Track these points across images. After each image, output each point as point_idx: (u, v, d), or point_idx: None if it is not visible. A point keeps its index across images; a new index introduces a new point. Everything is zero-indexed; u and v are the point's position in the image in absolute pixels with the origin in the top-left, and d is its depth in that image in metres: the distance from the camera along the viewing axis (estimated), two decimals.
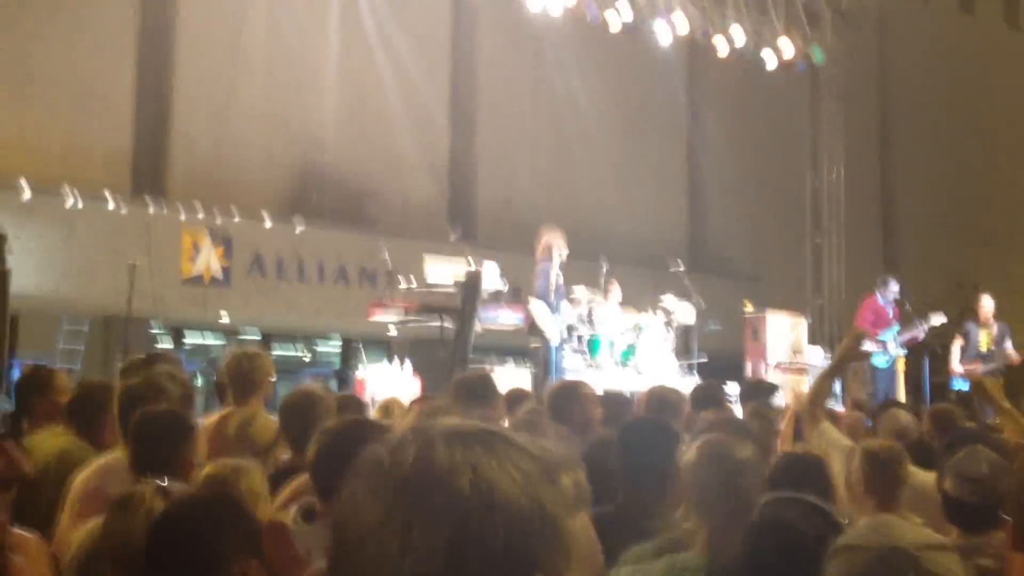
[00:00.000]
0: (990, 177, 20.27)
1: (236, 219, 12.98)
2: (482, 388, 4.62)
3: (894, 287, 10.96)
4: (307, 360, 12.80)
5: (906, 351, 10.90)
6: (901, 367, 10.93)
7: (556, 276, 9.51)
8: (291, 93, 14.13)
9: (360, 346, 12.18)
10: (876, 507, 3.83)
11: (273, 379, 4.77)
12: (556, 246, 9.52)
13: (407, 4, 14.59)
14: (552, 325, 9.41)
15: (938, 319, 10.85)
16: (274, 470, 3.73)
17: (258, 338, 13.18)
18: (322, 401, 3.96)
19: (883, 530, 1.86)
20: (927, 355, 10.49)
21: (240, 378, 4.59)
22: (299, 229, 13.37)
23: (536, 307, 9.45)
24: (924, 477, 4.26)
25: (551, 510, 0.98)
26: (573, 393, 4.70)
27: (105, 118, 12.80)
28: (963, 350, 10.92)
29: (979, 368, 10.67)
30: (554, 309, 9.46)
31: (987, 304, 11.06)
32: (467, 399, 4.44)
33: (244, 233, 13.10)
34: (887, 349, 10.72)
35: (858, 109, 16.82)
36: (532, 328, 9.54)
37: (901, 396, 10.54)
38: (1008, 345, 10.72)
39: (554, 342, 9.39)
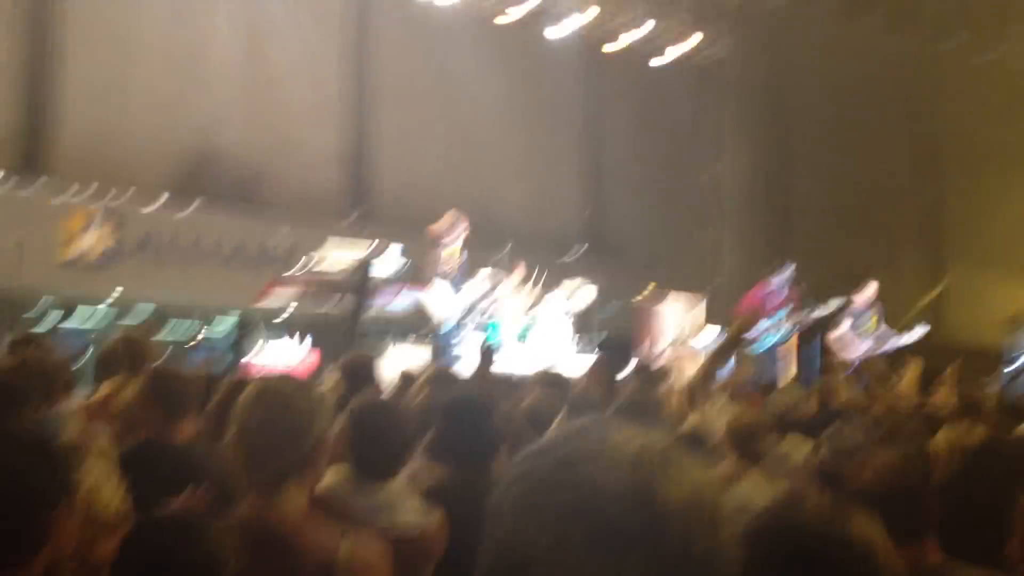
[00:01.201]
0: (878, 170, 21.07)
1: (128, 198, 12.72)
2: (365, 370, 4.68)
3: (785, 273, 11.29)
4: (201, 337, 12.56)
5: (797, 333, 11.24)
6: (793, 348, 11.26)
7: (456, 259, 9.55)
8: (188, 74, 13.89)
9: (257, 324, 11.99)
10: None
11: (159, 360, 4.69)
12: (457, 229, 9.56)
13: None
14: (449, 305, 9.42)
15: (835, 303, 11.20)
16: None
17: (150, 315, 12.88)
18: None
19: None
20: (818, 336, 10.84)
21: (125, 358, 4.49)
22: (192, 209, 13.13)
23: (433, 286, 9.49)
24: (805, 449, 4.39)
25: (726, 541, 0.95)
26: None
27: None
28: (852, 331, 11.41)
29: (867, 347, 11.22)
30: (452, 290, 9.49)
31: (872, 289, 11.57)
32: (351, 380, 4.47)
33: (136, 212, 12.89)
34: (777, 331, 11.05)
35: (756, 101, 17.25)
36: (429, 307, 9.57)
37: (791, 375, 10.87)
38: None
39: (451, 323, 9.42)
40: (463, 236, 9.63)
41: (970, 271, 16.20)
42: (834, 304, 11.18)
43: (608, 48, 14.61)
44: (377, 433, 2.83)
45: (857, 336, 11.45)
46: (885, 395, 5.74)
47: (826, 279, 15.66)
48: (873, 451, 3.29)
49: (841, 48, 20.80)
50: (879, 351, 11.42)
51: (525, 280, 10.68)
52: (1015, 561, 2.13)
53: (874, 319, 11.67)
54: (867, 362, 10.07)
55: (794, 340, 11.28)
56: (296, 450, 2.25)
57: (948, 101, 23.43)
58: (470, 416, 3.31)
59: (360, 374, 4.56)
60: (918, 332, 11.29)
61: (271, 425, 2.25)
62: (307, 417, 2.28)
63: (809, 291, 11.41)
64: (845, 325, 11.53)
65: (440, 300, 9.43)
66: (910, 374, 7.03)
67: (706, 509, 0.92)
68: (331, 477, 2.73)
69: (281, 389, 2.32)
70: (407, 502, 2.77)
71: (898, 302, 20.04)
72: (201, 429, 3.58)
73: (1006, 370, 11.58)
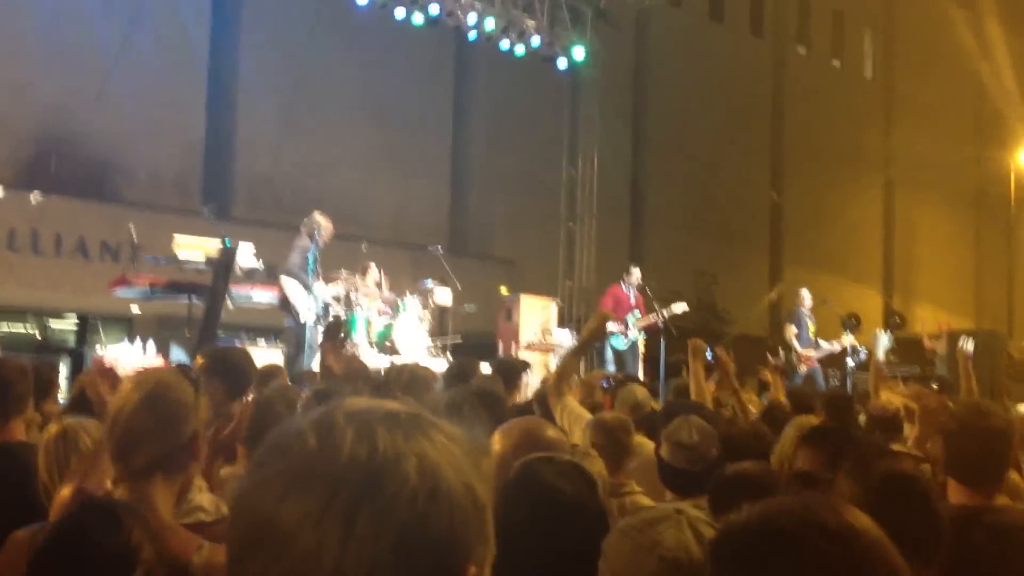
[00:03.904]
0: (729, 176, 22.01)
1: None
2: (242, 362, 4.40)
3: (636, 276, 11.69)
4: (38, 339, 11.85)
5: (645, 335, 11.61)
6: (641, 349, 11.63)
7: (313, 256, 9.45)
8: (36, 60, 13.20)
9: (99, 324, 11.44)
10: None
11: None
12: (320, 228, 9.46)
13: None
14: (304, 303, 9.34)
15: (679, 307, 11.60)
16: None
17: None
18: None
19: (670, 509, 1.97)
20: (663, 338, 11.22)
21: None
22: (34, 199, 12.41)
23: (288, 284, 9.37)
24: (651, 447, 4.56)
25: (481, 498, 0.94)
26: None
27: None
28: (797, 337, 12.10)
29: (812, 354, 11.82)
30: (308, 288, 9.38)
31: (807, 296, 12.38)
32: (220, 374, 4.20)
33: None
34: (627, 333, 11.41)
35: (614, 106, 17.69)
36: (284, 304, 9.44)
37: (640, 375, 11.22)
38: None
39: (306, 320, 9.31)
40: (326, 235, 9.59)
41: (805, 274, 17.10)
42: (678, 308, 11.58)
43: (477, 48, 14.74)
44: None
45: (804, 340, 12.02)
46: (736, 393, 6.03)
47: (676, 281, 16.31)
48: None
49: (703, 52, 21.63)
50: (817, 355, 12.07)
51: (381, 280, 10.66)
52: None
53: (813, 324, 12.25)
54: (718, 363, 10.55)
55: (642, 342, 11.65)
56: (166, 444, 2.23)
57: (799, 108, 24.71)
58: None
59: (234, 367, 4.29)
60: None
61: (143, 416, 2.21)
62: (180, 412, 2.26)
63: (655, 295, 11.80)
64: (790, 330, 12.13)
65: (295, 294, 9.33)
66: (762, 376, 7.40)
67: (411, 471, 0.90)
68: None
69: (160, 381, 2.30)
70: None
71: (742, 301, 21.05)
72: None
73: (850, 365, 12.34)
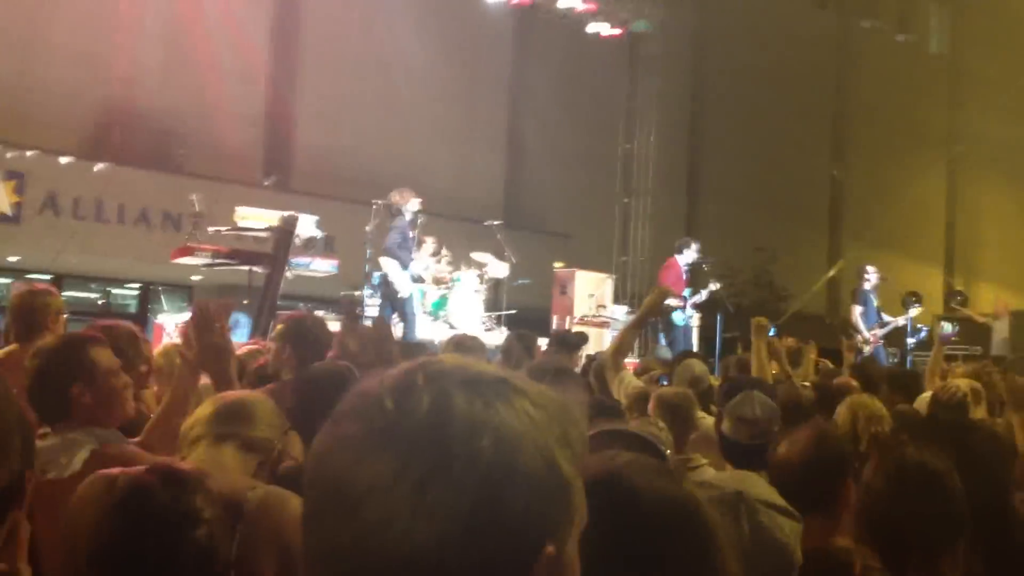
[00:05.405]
0: (789, 151, 21.67)
1: (29, 154, 12.16)
2: (318, 333, 4.39)
3: (694, 250, 11.37)
4: (102, 303, 12.08)
5: (697, 312, 11.41)
6: (696, 324, 11.50)
7: (410, 233, 9.71)
8: (102, 31, 13.41)
9: (160, 292, 11.64)
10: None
11: (64, 316, 4.53)
12: (409, 204, 9.77)
13: None
14: (403, 280, 9.64)
15: (712, 287, 11.33)
16: None
17: (48, 278, 12.44)
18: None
19: (737, 477, 1.99)
20: (719, 314, 11.08)
21: (26, 315, 4.32)
22: (99, 167, 12.67)
23: (387, 264, 9.67)
24: (711, 421, 4.55)
25: (566, 475, 0.91)
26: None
27: None
28: (863, 316, 11.64)
29: (878, 331, 11.50)
30: (405, 265, 9.70)
31: (873, 272, 11.86)
32: (300, 344, 4.23)
33: (38, 169, 12.38)
34: (686, 308, 11.27)
35: (673, 80, 17.51)
36: (384, 283, 9.79)
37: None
38: None
39: (405, 295, 9.65)
40: (416, 210, 9.90)
41: (866, 252, 16.83)
42: (712, 287, 11.28)
43: (537, 18, 14.67)
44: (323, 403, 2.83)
45: (870, 320, 11.62)
46: (793, 372, 5.99)
47: (734, 257, 16.12)
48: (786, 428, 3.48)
49: (765, 25, 21.25)
50: (882, 332, 11.70)
51: (441, 253, 10.75)
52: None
53: (876, 303, 11.88)
54: (779, 340, 10.46)
55: (697, 317, 11.49)
56: None
57: (862, 83, 24.19)
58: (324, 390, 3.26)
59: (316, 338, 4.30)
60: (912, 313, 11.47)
61: None
62: None
63: (712, 270, 11.58)
64: (856, 310, 11.72)
65: (394, 272, 9.65)
66: (809, 354, 7.34)
67: (514, 443, 0.88)
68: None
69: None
70: None
71: (800, 277, 20.78)
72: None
73: (909, 344, 12.03)
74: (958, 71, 27.29)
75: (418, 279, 10.04)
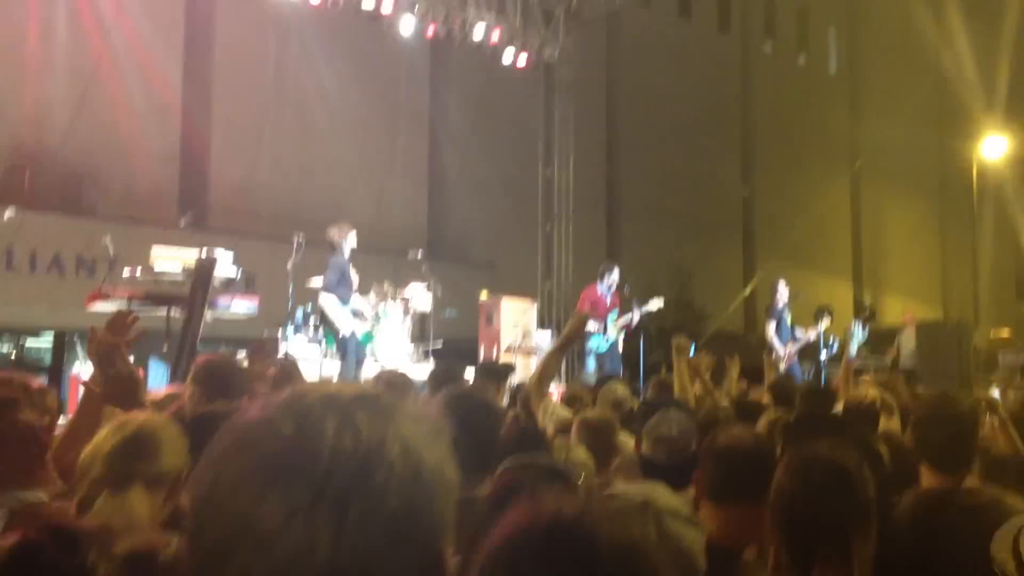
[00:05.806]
0: (701, 171, 22.22)
1: None
2: (231, 374, 4.33)
3: (614, 275, 11.53)
4: (13, 358, 11.67)
5: (624, 335, 11.57)
6: (620, 348, 11.65)
7: (349, 269, 9.72)
8: (8, 70, 13.10)
9: (76, 340, 11.33)
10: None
11: None
12: (348, 239, 9.73)
13: None
14: (343, 317, 9.60)
15: (656, 304, 11.56)
16: None
17: None
18: None
19: (644, 489, 2.08)
20: (642, 338, 11.23)
21: None
22: (7, 215, 12.30)
23: (326, 300, 9.59)
24: (632, 444, 4.66)
25: (451, 477, 0.95)
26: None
27: None
28: (777, 332, 11.87)
29: (791, 348, 11.72)
30: (344, 301, 9.64)
31: (784, 288, 12.11)
32: (212, 387, 4.15)
33: None
34: (606, 333, 11.41)
35: (587, 106, 17.82)
36: (323, 320, 9.76)
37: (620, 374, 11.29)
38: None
39: (346, 332, 9.60)
40: (352, 245, 9.83)
41: (779, 268, 17.31)
42: (655, 304, 11.54)
43: (453, 50, 14.84)
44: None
45: (784, 336, 11.84)
46: (716, 389, 6.15)
47: (654, 278, 16.43)
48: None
49: (673, 50, 21.81)
50: (795, 348, 11.95)
51: (363, 284, 10.71)
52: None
53: (791, 319, 12.14)
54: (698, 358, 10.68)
55: (621, 341, 11.63)
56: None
57: (766, 103, 24.97)
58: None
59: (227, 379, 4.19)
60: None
61: None
62: None
63: (633, 293, 11.76)
64: (771, 326, 11.94)
65: (334, 309, 9.55)
66: (731, 371, 7.50)
67: (399, 458, 0.89)
68: None
69: None
70: None
71: (716, 296, 21.25)
72: None
73: (822, 358, 12.38)
74: (856, 89, 28.42)
75: (359, 314, 9.99)
